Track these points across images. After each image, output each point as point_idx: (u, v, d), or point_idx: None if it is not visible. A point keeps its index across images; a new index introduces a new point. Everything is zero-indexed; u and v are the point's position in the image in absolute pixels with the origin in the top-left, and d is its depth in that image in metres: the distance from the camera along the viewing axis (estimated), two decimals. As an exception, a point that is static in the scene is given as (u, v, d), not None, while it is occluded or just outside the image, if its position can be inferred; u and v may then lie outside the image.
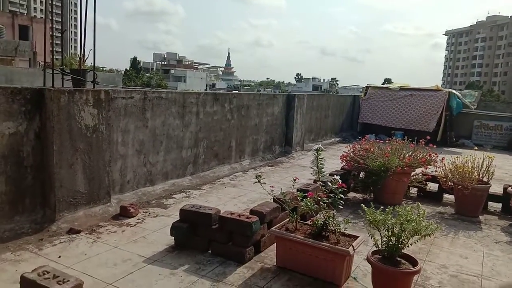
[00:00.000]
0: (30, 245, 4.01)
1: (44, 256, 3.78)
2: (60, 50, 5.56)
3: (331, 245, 3.46)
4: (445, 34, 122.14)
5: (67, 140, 4.43)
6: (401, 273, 3.18)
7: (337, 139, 13.46)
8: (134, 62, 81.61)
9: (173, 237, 4.14)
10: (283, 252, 3.78)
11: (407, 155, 5.92)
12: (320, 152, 3.85)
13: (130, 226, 4.64)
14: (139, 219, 4.88)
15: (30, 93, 4.29)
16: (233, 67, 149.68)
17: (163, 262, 3.79)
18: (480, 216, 5.68)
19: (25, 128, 4.28)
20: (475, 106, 13.51)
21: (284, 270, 3.72)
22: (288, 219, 3.99)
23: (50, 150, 4.34)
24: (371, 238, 3.34)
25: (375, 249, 3.38)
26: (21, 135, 4.26)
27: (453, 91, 13.56)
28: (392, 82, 20.53)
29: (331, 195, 3.71)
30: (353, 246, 3.45)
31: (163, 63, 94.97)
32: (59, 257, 3.79)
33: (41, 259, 3.71)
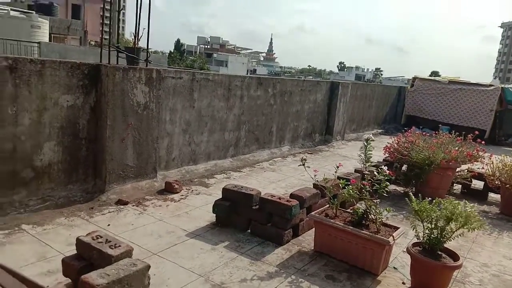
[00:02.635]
0: (82, 212, 4.28)
1: (94, 223, 4.03)
2: (110, 29, 5.77)
3: (371, 233, 3.47)
4: (500, 27, 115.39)
5: (120, 116, 4.64)
6: (441, 267, 3.16)
7: (380, 130, 13.20)
8: (178, 44, 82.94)
9: (214, 215, 4.28)
10: (321, 238, 3.82)
11: (453, 150, 5.76)
12: (370, 142, 3.84)
13: (174, 202, 4.83)
14: (182, 195, 5.06)
15: (88, 68, 4.52)
16: (274, 53, 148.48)
17: (205, 237, 3.94)
18: (527, 218, 5.47)
19: (82, 101, 4.52)
20: None
21: (321, 254, 3.78)
22: (328, 205, 4.03)
23: (104, 124, 4.57)
24: (412, 230, 3.33)
25: (416, 241, 3.36)
26: (78, 108, 4.50)
27: (507, 86, 12.92)
28: (440, 75, 19.76)
29: (375, 184, 3.70)
30: (393, 237, 3.45)
31: (206, 46, 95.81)
32: (108, 225, 4.02)
33: (92, 225, 3.95)
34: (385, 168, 3.75)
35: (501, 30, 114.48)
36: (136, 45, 5.07)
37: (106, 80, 4.47)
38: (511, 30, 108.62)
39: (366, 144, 3.70)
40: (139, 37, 5.02)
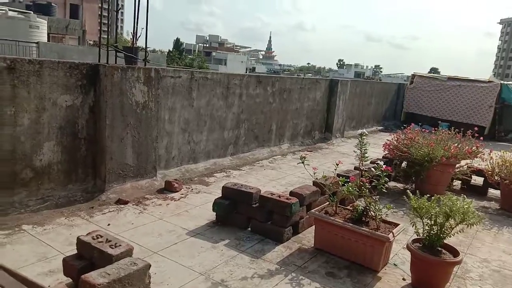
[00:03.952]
0: (82, 212, 4.28)
1: (94, 223, 4.03)
2: (109, 29, 5.78)
3: (371, 230, 3.47)
4: (499, 23, 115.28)
5: (119, 115, 4.64)
6: (441, 262, 3.16)
7: (379, 127, 13.21)
8: (177, 43, 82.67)
9: (214, 213, 4.28)
10: (321, 235, 3.83)
11: (452, 146, 5.76)
12: (364, 137, 3.84)
13: (174, 200, 4.83)
14: (182, 194, 5.07)
15: (86, 68, 4.51)
16: (274, 51, 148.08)
17: (205, 235, 3.94)
18: (527, 214, 5.47)
19: (81, 101, 4.52)
20: None
21: (321, 252, 3.78)
22: (327, 203, 4.03)
23: (103, 124, 4.57)
24: (412, 226, 3.33)
25: (416, 237, 3.37)
26: (77, 108, 4.50)
27: (506, 82, 12.91)
28: (439, 72, 19.75)
29: (373, 180, 3.70)
30: (393, 233, 3.45)
31: (205, 45, 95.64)
32: (108, 224, 4.03)
33: (92, 225, 3.95)
34: (381, 163, 3.73)
35: (500, 26, 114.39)
36: (135, 45, 5.06)
37: (105, 80, 4.47)
38: (510, 26, 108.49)
39: (360, 139, 3.68)
40: (137, 37, 5.02)
